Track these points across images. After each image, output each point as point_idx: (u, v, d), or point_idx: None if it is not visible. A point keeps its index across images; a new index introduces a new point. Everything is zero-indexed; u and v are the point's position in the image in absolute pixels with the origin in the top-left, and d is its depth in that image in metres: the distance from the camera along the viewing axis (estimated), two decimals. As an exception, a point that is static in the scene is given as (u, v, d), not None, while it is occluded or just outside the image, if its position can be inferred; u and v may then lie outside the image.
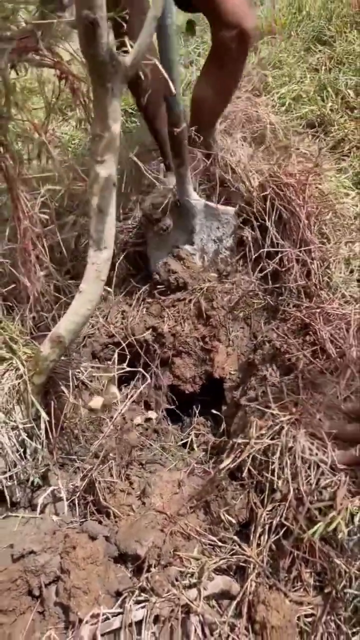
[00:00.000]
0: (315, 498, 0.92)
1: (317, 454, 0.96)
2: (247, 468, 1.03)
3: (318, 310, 1.31)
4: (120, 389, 1.51)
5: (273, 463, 0.98)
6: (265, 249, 1.53)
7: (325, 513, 0.91)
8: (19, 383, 1.09)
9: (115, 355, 1.45)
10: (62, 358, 1.21)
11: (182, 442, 1.52)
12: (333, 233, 1.46)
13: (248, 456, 1.02)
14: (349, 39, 2.39)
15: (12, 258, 1.34)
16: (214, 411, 1.49)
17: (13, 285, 1.29)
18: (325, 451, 0.95)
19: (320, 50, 2.42)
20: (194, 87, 1.69)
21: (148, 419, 1.60)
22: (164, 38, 1.22)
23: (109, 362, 1.45)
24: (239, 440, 1.05)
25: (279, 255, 1.50)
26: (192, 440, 1.50)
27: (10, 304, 1.34)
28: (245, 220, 1.63)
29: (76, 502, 1.14)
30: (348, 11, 2.53)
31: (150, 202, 1.56)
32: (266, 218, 1.54)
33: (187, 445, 1.51)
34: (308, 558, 0.93)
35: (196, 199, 1.60)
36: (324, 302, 1.33)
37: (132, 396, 1.43)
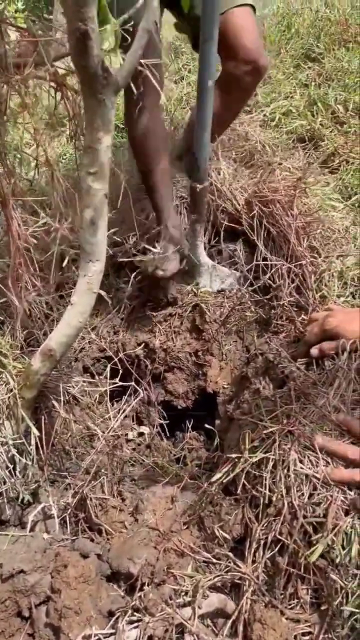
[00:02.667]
0: (309, 514, 0.91)
1: (309, 468, 0.95)
2: (241, 482, 1.01)
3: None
4: (112, 404, 1.49)
5: (266, 477, 0.97)
6: (255, 263, 1.53)
7: (318, 530, 0.89)
8: (8, 397, 1.07)
9: (107, 370, 1.44)
10: (53, 372, 1.19)
11: (175, 457, 1.50)
12: (323, 247, 1.47)
13: (241, 470, 1.01)
14: (338, 56, 2.43)
15: (2, 272, 1.33)
16: (207, 426, 1.48)
17: (4, 300, 1.28)
18: (318, 464, 0.93)
19: (309, 67, 2.46)
20: (193, 111, 1.72)
21: (140, 434, 1.58)
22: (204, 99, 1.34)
23: (100, 377, 1.44)
24: (232, 455, 1.04)
25: (271, 271, 1.51)
26: (185, 456, 1.48)
27: (1, 319, 1.33)
28: (235, 235, 1.64)
29: (67, 519, 1.12)
30: (336, 29, 2.58)
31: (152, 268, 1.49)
32: (255, 235, 1.55)
33: (180, 461, 1.49)
34: (304, 575, 0.91)
35: (205, 261, 1.60)
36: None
37: (124, 411, 1.41)
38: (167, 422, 1.61)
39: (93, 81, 0.82)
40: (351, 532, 0.86)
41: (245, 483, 1.01)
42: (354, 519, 0.88)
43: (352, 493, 0.91)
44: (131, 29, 0.87)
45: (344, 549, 0.86)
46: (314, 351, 1.20)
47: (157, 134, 1.45)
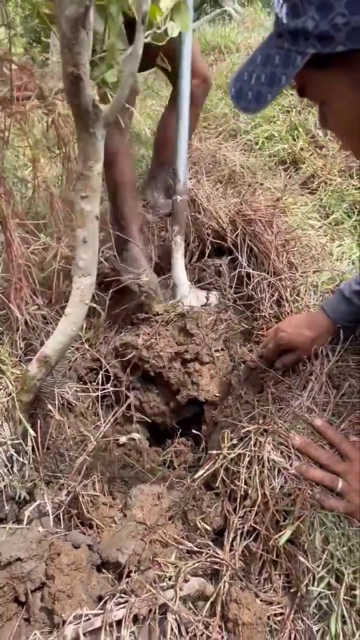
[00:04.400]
0: (279, 503, 1.00)
1: (281, 461, 1.04)
2: (220, 477, 1.10)
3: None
4: (103, 410, 1.58)
5: (243, 472, 1.06)
6: (236, 278, 1.64)
7: (288, 518, 0.98)
8: (7, 401, 1.16)
9: (100, 377, 1.53)
10: (49, 378, 1.28)
11: (163, 460, 1.59)
12: (301, 263, 1.58)
13: (221, 466, 1.10)
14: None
15: (3, 286, 1.43)
16: (194, 431, 1.56)
17: (3, 311, 1.38)
18: (290, 458, 1.03)
19: (291, 94, 2.60)
20: (159, 129, 1.95)
21: (131, 439, 1.66)
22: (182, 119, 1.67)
23: (93, 384, 1.53)
24: (213, 452, 1.13)
25: (252, 284, 1.61)
26: (172, 460, 1.57)
27: (1, 329, 1.43)
28: (221, 252, 1.75)
29: (61, 516, 1.20)
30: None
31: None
32: (238, 252, 1.66)
33: (168, 464, 1.58)
34: (276, 560, 1.00)
35: (183, 282, 1.71)
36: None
37: (115, 415, 1.50)
38: (158, 425, 1.69)
39: (85, 117, 0.93)
40: (314, 520, 0.96)
41: (224, 478, 1.11)
42: (317, 510, 0.97)
43: (318, 488, 1.01)
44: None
45: (310, 535, 0.95)
46: (278, 365, 1.32)
47: (123, 157, 1.61)
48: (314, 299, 1.49)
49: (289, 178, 2.10)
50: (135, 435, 1.71)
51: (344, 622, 0.89)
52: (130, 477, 1.44)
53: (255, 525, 1.01)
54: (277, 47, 0.77)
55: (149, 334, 1.62)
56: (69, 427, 1.41)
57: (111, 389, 1.45)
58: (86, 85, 0.89)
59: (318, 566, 0.93)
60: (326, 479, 1.02)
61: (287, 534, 0.95)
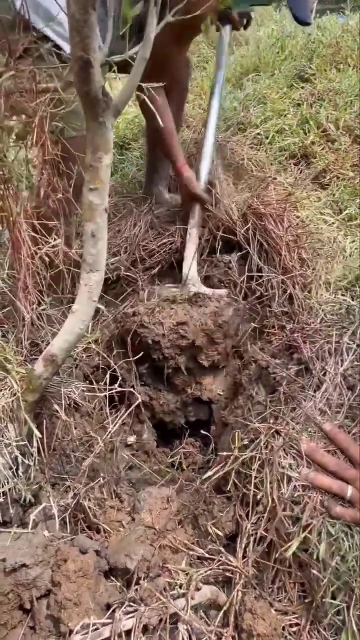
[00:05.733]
0: (287, 510, 0.96)
1: (292, 468, 1.00)
2: (232, 481, 1.07)
3: (301, 332, 1.36)
4: (110, 411, 1.54)
5: (256, 476, 1.02)
6: (247, 274, 1.60)
7: (297, 526, 0.95)
8: (12, 401, 1.13)
9: (107, 377, 1.49)
10: (55, 378, 1.25)
11: (172, 462, 1.55)
12: (312, 259, 1.53)
13: (232, 469, 1.06)
14: (329, 77, 2.52)
15: (9, 284, 1.39)
16: (203, 432, 1.53)
17: (9, 309, 1.34)
18: (300, 461, 0.99)
19: (302, 87, 2.54)
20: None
21: (139, 440, 1.63)
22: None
23: (100, 384, 1.49)
24: (224, 454, 1.09)
25: (262, 280, 1.57)
26: (181, 461, 1.53)
27: (6, 327, 1.39)
28: (231, 248, 1.71)
29: (67, 519, 1.16)
30: (328, 51, 2.68)
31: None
32: (249, 247, 1.61)
33: (177, 466, 1.54)
34: (290, 570, 0.96)
35: (193, 275, 1.69)
36: (307, 324, 1.39)
37: (122, 416, 1.46)
38: (165, 426, 1.66)
39: (95, 105, 0.89)
40: (322, 530, 0.92)
41: (237, 482, 1.07)
42: (326, 519, 0.93)
43: (329, 495, 0.97)
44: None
45: (319, 545, 0.91)
46: None
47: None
48: (325, 296, 1.45)
49: (300, 173, 2.05)
50: (143, 435, 1.68)
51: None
52: (138, 480, 1.41)
53: (265, 533, 0.97)
54: None
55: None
56: (75, 428, 1.37)
57: (118, 389, 1.40)
58: (96, 71, 0.85)
59: (331, 578, 0.89)
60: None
61: (294, 545, 0.91)
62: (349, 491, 0.97)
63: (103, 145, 0.94)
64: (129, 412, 1.49)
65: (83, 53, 0.82)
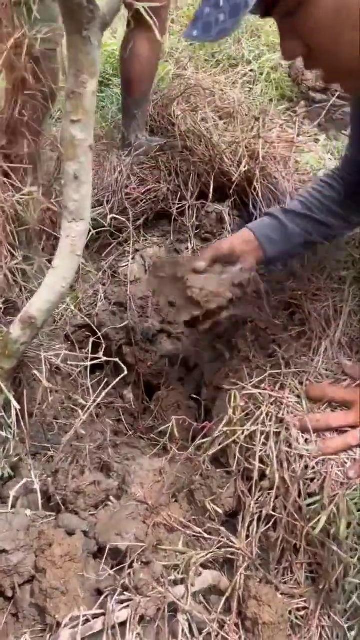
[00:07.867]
0: (303, 488, 0.88)
1: (299, 442, 0.91)
2: (233, 454, 0.98)
3: (304, 291, 1.25)
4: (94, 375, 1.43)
5: (258, 449, 0.93)
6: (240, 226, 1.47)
7: (316, 503, 0.86)
8: (-14, 368, 1.00)
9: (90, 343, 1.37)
10: (34, 341, 1.12)
11: (161, 429, 1.46)
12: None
13: (232, 441, 0.97)
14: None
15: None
16: (193, 395, 1.44)
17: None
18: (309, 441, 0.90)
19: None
20: (130, 60, 1.70)
21: (125, 403, 1.53)
22: None
23: (83, 350, 1.36)
24: (224, 429, 0.99)
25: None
26: (172, 425, 1.44)
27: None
28: (224, 196, 1.57)
29: (50, 492, 1.06)
30: None
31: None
32: (245, 195, 1.48)
33: (167, 433, 1.45)
34: (298, 548, 0.89)
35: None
36: (310, 282, 1.28)
37: (107, 389, 1.34)
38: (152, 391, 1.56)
39: (77, 14, 0.72)
40: (340, 506, 0.83)
41: (238, 455, 0.98)
42: (345, 494, 0.84)
43: (348, 463, 0.88)
44: None
45: (339, 522, 0.83)
46: None
47: (144, 61, 1.58)
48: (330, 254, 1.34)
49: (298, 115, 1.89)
50: (129, 396, 1.59)
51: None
52: (126, 443, 1.32)
53: (273, 513, 0.89)
54: None
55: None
56: (56, 392, 1.26)
57: (103, 358, 1.26)
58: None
59: (352, 557, 0.81)
60: (350, 438, 0.89)
61: (322, 521, 0.82)
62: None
63: (87, 67, 0.77)
64: (113, 384, 1.37)
65: None
